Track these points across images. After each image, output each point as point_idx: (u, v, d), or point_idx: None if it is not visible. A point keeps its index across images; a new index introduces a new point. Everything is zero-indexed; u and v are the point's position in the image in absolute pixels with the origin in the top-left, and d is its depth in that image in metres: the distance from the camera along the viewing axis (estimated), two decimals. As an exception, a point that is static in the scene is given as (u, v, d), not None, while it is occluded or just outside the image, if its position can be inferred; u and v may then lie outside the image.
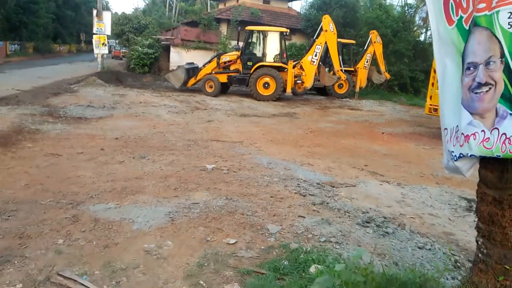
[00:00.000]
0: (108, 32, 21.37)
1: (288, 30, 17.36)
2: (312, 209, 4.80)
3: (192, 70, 16.78)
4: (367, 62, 19.42)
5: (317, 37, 16.23)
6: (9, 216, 3.98)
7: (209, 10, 36.62)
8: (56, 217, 4.03)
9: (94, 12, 20.81)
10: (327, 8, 24.11)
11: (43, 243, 3.50)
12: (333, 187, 5.80)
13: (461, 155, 2.33)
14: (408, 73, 22.59)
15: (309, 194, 5.32)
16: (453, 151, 2.41)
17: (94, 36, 20.64)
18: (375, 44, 19.28)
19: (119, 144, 7.44)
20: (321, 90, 19.89)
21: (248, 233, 3.96)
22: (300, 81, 16.28)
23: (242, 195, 5.08)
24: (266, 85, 15.82)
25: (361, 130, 11.40)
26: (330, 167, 7.03)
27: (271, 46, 16.12)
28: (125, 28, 28.31)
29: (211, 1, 42.41)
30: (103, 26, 20.36)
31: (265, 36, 16.07)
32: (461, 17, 2.35)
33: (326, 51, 19.32)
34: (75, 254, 3.35)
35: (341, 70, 17.05)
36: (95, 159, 6.30)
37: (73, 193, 4.78)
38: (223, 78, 16.28)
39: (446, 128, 2.55)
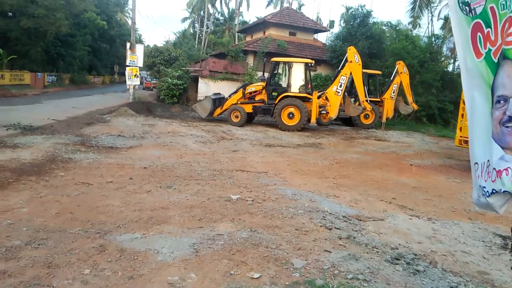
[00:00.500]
0: (140, 64, 22.23)
1: (313, 61, 17.63)
2: (338, 243, 4.69)
3: (218, 101, 17.17)
4: (393, 92, 19.33)
5: (342, 68, 16.43)
6: (39, 245, 4.09)
7: (236, 42, 37.76)
8: (84, 247, 4.11)
9: (128, 45, 21.79)
10: (353, 39, 24.36)
11: (70, 272, 3.56)
12: (360, 220, 5.67)
13: (494, 191, 2.26)
14: (437, 104, 22.26)
15: (335, 228, 5.22)
16: (484, 187, 2.33)
17: (127, 68, 21.53)
18: (401, 75, 19.22)
19: (147, 173, 7.59)
20: (346, 121, 19.83)
21: (273, 267, 3.90)
22: (325, 112, 16.42)
23: (267, 227, 5.04)
24: (291, 115, 15.98)
25: (388, 162, 11.19)
26: (357, 199, 6.90)
27: (296, 77, 16.36)
28: (156, 60, 29.46)
29: (239, 34, 43.74)
30: (135, 58, 21.24)
31: (290, 67, 16.34)
32: (490, 50, 2.33)
33: (352, 82, 19.45)
34: (100, 284, 3.39)
35: (367, 100, 17.07)
36: (124, 188, 6.44)
37: (101, 222, 4.88)
38: (248, 108, 16.55)
39: (476, 163, 2.48)
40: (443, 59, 27.22)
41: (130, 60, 21.20)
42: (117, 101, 22.92)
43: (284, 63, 17.09)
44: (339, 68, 16.79)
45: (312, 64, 17.15)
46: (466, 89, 2.62)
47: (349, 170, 9.58)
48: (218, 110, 16.99)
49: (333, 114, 16.42)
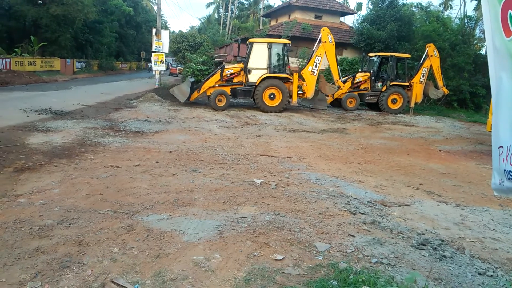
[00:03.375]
0: (166, 50, 22.37)
1: (290, 42, 17.34)
2: (362, 228, 4.65)
3: (196, 84, 16.80)
4: (423, 76, 18.75)
5: (316, 49, 16.72)
6: (70, 224, 4.26)
7: (261, 27, 37.38)
8: (113, 226, 4.25)
9: (154, 31, 21.93)
10: (381, 21, 23.70)
11: (100, 250, 3.69)
12: (386, 206, 5.59)
13: (519, 175, 2.17)
14: (468, 88, 21.46)
15: (360, 213, 5.17)
16: (510, 171, 2.25)
17: (153, 54, 21.73)
18: (431, 58, 18.59)
19: (172, 157, 7.72)
20: (373, 106, 19.44)
21: (296, 250, 3.92)
22: (301, 92, 16.62)
23: (290, 211, 5.05)
24: (272, 96, 15.92)
25: (416, 147, 10.93)
26: (382, 185, 6.80)
27: (275, 58, 16.19)
28: (181, 46, 29.58)
29: (263, 18, 43.27)
30: (161, 44, 21.37)
31: (269, 48, 15.98)
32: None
33: (380, 64, 19.01)
34: (128, 262, 3.50)
35: (340, 80, 17.53)
36: (150, 171, 6.58)
37: (129, 203, 5.02)
38: (227, 90, 16.22)
39: (501, 146, 2.38)
40: (475, 41, 26.09)
41: (156, 46, 21.35)
42: (143, 87, 23.30)
43: (262, 44, 16.53)
44: (313, 48, 17.05)
45: (290, 45, 16.86)
46: (493, 70, 2.50)
47: (374, 155, 9.43)
48: (195, 94, 16.38)
49: (310, 93, 16.71)
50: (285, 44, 16.43)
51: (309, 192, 5.96)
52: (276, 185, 6.18)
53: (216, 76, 16.05)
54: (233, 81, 16.21)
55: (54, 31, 29.92)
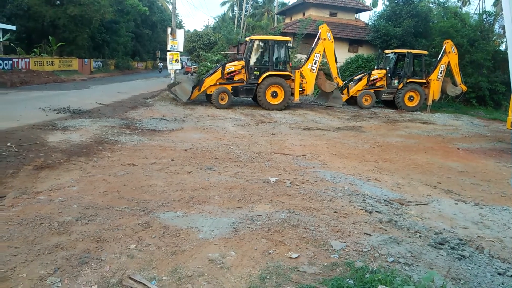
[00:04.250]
0: (181, 49, 22.48)
1: (290, 39, 17.25)
2: (379, 226, 4.61)
3: (197, 82, 16.48)
4: (440, 73, 18.44)
5: (315, 46, 16.61)
6: (88, 221, 4.33)
7: (275, 25, 37.29)
8: (130, 223, 4.31)
9: (169, 30, 22.06)
10: (397, 18, 23.35)
11: (118, 247, 3.75)
12: (402, 204, 5.53)
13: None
14: (487, 85, 20.99)
15: (376, 211, 5.12)
16: None
17: (168, 53, 21.90)
18: (449, 55, 18.27)
19: (188, 155, 7.78)
20: (389, 103, 19.20)
21: (311, 248, 3.91)
22: (301, 89, 16.48)
23: (305, 209, 5.03)
24: (274, 94, 15.82)
25: (433, 145, 10.76)
26: (399, 183, 6.72)
27: (277, 55, 16.07)
28: (196, 45, 29.73)
29: (278, 16, 43.16)
30: (176, 43, 21.50)
31: (271, 45, 15.81)
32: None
33: (396, 61, 18.76)
34: (145, 259, 3.55)
35: (339, 77, 17.43)
36: (166, 169, 6.64)
37: (145, 201, 5.08)
38: (228, 88, 15.91)
39: None
40: (495, 37, 25.42)
41: (171, 45, 21.48)
42: (159, 86, 23.53)
43: (264, 41, 16.40)
44: (312, 46, 16.93)
45: (291, 42, 16.73)
46: None
47: (391, 153, 9.32)
48: (196, 92, 16.01)
49: (309, 91, 16.70)
50: (286, 41, 16.33)
51: (324, 190, 5.93)
52: (291, 183, 6.17)
53: (217, 74, 15.74)
54: (234, 79, 15.95)
55: (72, 31, 30.42)
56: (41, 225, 4.12)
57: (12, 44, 26.34)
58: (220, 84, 15.77)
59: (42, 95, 16.29)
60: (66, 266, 3.35)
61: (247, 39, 17.29)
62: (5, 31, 25.97)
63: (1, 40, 25.29)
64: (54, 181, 5.66)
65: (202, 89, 15.84)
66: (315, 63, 16.51)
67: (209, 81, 15.72)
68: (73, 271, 3.27)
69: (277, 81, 15.67)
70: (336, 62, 17.22)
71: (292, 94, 16.16)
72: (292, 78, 16.04)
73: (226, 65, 15.89)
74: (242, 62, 15.94)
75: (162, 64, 43.30)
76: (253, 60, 15.95)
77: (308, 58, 16.78)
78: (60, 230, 4.05)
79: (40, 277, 3.16)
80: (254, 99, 16.83)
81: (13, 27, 26.19)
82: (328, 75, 17.66)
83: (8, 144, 7.47)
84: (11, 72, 21.21)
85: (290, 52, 18.02)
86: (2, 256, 3.45)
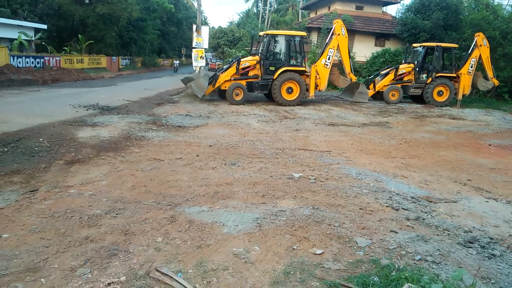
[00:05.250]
0: (206, 46, 22.64)
1: (306, 34, 17.01)
2: (405, 224, 4.52)
3: (212, 78, 16.00)
4: (471, 67, 17.82)
5: (329, 41, 16.28)
6: (117, 214, 4.45)
7: (300, 20, 36.97)
8: (157, 217, 4.40)
9: (194, 27, 22.24)
10: (426, 10, 22.69)
11: (145, 240, 3.84)
12: (430, 202, 5.40)
13: None
14: (521, 79, 20.12)
15: (403, 208, 5.03)
16: None
17: (193, 50, 22.11)
18: (481, 48, 17.63)
19: (212, 151, 7.86)
20: (417, 98, 18.73)
21: (335, 245, 3.88)
22: (315, 84, 16.27)
23: (329, 205, 5.00)
24: (290, 90, 15.56)
25: (463, 141, 10.44)
26: (427, 180, 6.56)
27: (293, 50, 15.79)
28: (220, 41, 29.93)
29: (302, 11, 42.75)
30: (201, 40, 21.66)
31: (286, 41, 15.53)
32: None
33: (425, 55, 18.26)
34: (171, 252, 3.62)
35: (352, 72, 17.11)
36: (191, 165, 6.73)
37: (171, 195, 5.17)
38: (243, 84, 15.60)
39: None
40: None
41: (196, 42, 21.64)
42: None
43: (279, 36, 16.03)
44: (326, 41, 16.60)
45: (306, 37, 16.45)
46: None
47: (419, 150, 9.10)
48: (210, 88, 15.57)
49: (323, 86, 16.41)
50: (302, 36, 16.08)
51: (349, 186, 5.86)
52: (315, 179, 6.13)
53: (232, 69, 15.46)
54: (248, 75, 15.68)
55: (100, 30, 31.19)
56: (72, 218, 4.27)
57: (43, 43, 27.27)
58: (235, 79, 15.53)
59: (72, 92, 16.81)
60: (96, 257, 3.45)
61: (260, 33, 17.10)
62: (37, 30, 26.93)
63: (33, 39, 26.24)
64: (84, 176, 5.84)
65: (217, 84, 15.57)
66: (329, 59, 16.21)
67: (223, 76, 15.50)
68: (102, 263, 3.37)
69: (293, 76, 15.43)
70: (350, 57, 16.96)
71: (307, 90, 15.97)
72: (307, 73, 15.87)
73: (241, 60, 15.70)
74: (257, 57, 15.71)
75: (177, 62, 41.42)
76: (268, 55, 15.75)
77: (322, 53, 16.51)
78: (90, 223, 4.18)
79: (71, 268, 3.27)
80: (267, 95, 16.66)
81: (45, 26, 27.12)
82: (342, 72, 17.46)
83: (41, 139, 7.75)
84: (43, 70, 21.98)
85: (312, 46, 17.75)
86: (35, 247, 3.60)
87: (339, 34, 16.22)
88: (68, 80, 22.16)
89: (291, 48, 15.83)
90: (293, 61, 15.82)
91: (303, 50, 16.10)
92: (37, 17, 28.15)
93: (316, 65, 16.24)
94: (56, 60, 24.84)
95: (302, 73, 15.72)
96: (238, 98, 15.34)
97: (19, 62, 21.38)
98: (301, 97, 15.80)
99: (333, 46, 16.29)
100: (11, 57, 20.87)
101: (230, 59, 18.01)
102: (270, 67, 15.66)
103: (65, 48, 28.91)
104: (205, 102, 15.64)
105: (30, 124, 9.09)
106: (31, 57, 22.60)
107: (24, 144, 7.32)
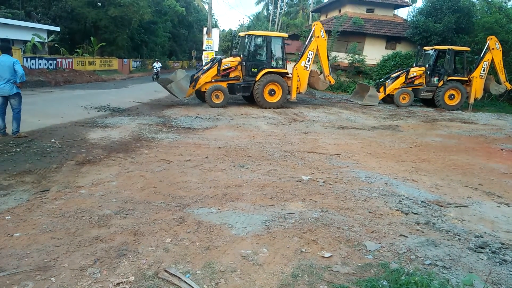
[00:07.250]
0: (216, 48, 22.79)
1: (287, 35, 17.06)
2: (415, 228, 4.48)
3: (192, 79, 15.19)
4: (483, 70, 17.62)
5: (309, 43, 16.15)
6: (126, 215, 4.49)
7: (310, 22, 36.93)
8: (166, 218, 4.42)
9: (204, 30, 22.43)
10: (438, 13, 22.50)
11: (154, 240, 3.86)
12: (441, 206, 5.34)
13: None
14: (535, 83, 19.80)
15: (412, 212, 4.98)
16: None
17: (203, 52, 22.24)
18: (493, 51, 17.42)
19: (221, 153, 7.88)
20: (428, 102, 18.57)
21: (344, 248, 3.86)
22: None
23: (338, 209, 4.97)
24: (272, 92, 15.35)
25: (475, 146, 10.31)
26: (438, 184, 6.49)
27: (275, 52, 15.60)
28: (230, 44, 29.99)
29: (313, 14, 42.71)
30: (211, 42, 21.81)
31: (269, 42, 15.28)
32: None
33: (436, 58, 18.09)
34: (180, 253, 3.63)
35: (331, 75, 16.93)
36: (200, 166, 6.76)
37: (180, 196, 5.20)
38: (224, 86, 15.17)
39: None
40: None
41: (207, 45, 21.82)
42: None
43: (261, 37, 15.67)
44: (305, 43, 16.51)
45: (287, 38, 16.33)
46: None
47: (429, 153, 9.02)
48: (190, 90, 14.96)
49: (302, 89, 16.31)
50: (283, 37, 15.92)
51: (358, 190, 5.83)
52: (324, 182, 6.11)
53: (213, 71, 14.92)
54: (230, 76, 15.24)
55: (112, 32, 31.54)
56: (82, 218, 4.31)
57: (56, 45, 27.66)
58: (215, 81, 15.07)
59: (84, 93, 17.01)
60: (105, 257, 3.48)
61: (241, 34, 16.95)
62: (50, 32, 27.33)
63: (46, 41, 26.63)
64: (94, 176, 5.90)
65: (197, 86, 14.96)
66: (308, 61, 16.06)
67: (204, 78, 14.90)
68: (111, 263, 3.40)
69: (275, 78, 15.16)
70: (328, 60, 16.88)
71: (289, 92, 15.79)
72: (288, 75, 15.77)
73: (223, 61, 15.27)
74: (238, 58, 15.29)
75: (159, 65, 37.52)
76: (249, 56, 15.33)
77: (301, 55, 16.26)
78: (100, 223, 4.22)
79: (81, 268, 3.30)
80: (247, 98, 16.41)
81: (57, 28, 27.51)
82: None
83: (52, 140, 7.86)
84: (56, 72, 22.28)
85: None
86: (46, 246, 3.64)
87: (318, 37, 16.03)
88: (80, 82, 22.44)
89: (273, 50, 15.61)
90: (273, 63, 15.55)
91: (284, 52, 15.87)
92: (50, 19, 28.57)
93: (296, 68, 16.04)
94: (68, 62, 25.16)
95: (284, 75, 15.55)
96: (218, 101, 14.83)
97: (32, 64, 21.68)
98: (283, 100, 15.58)
99: (313, 48, 16.11)
100: (25, 59, 21.19)
101: (210, 60, 17.70)
102: (253, 69, 15.29)
103: (78, 50, 29.27)
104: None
105: (42, 125, 9.22)
106: (44, 59, 22.92)
107: (36, 144, 7.42)
